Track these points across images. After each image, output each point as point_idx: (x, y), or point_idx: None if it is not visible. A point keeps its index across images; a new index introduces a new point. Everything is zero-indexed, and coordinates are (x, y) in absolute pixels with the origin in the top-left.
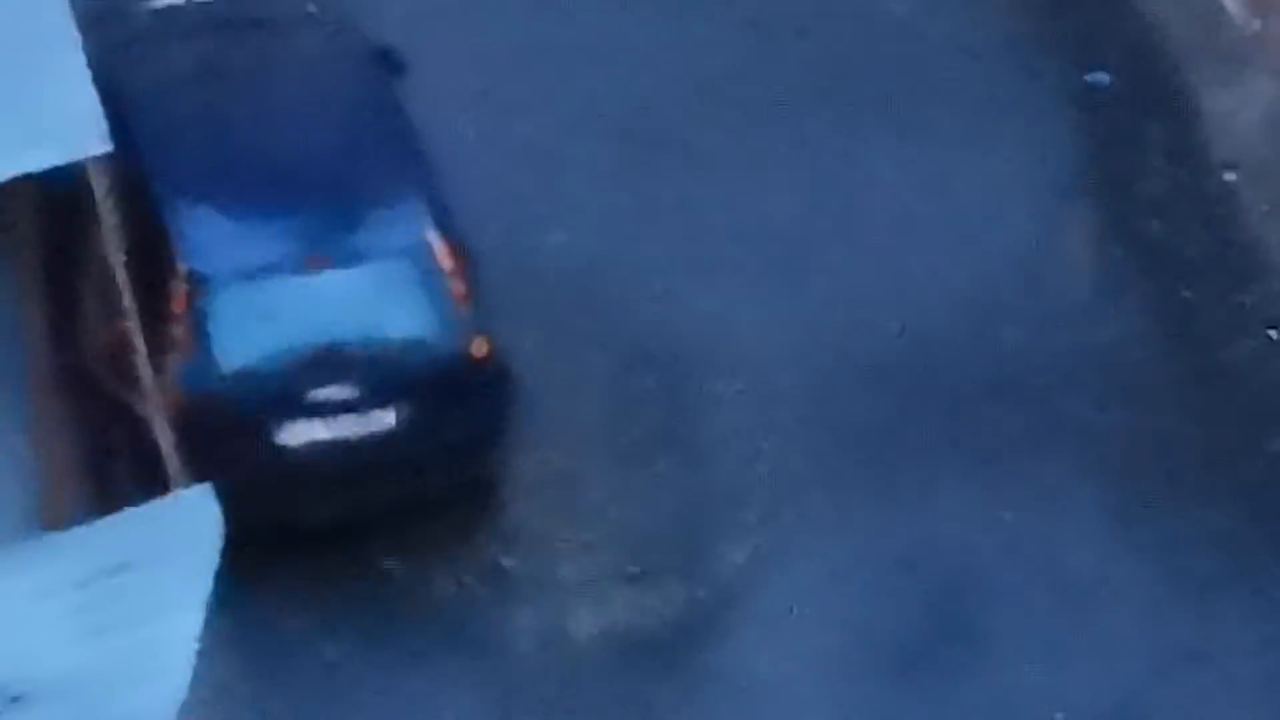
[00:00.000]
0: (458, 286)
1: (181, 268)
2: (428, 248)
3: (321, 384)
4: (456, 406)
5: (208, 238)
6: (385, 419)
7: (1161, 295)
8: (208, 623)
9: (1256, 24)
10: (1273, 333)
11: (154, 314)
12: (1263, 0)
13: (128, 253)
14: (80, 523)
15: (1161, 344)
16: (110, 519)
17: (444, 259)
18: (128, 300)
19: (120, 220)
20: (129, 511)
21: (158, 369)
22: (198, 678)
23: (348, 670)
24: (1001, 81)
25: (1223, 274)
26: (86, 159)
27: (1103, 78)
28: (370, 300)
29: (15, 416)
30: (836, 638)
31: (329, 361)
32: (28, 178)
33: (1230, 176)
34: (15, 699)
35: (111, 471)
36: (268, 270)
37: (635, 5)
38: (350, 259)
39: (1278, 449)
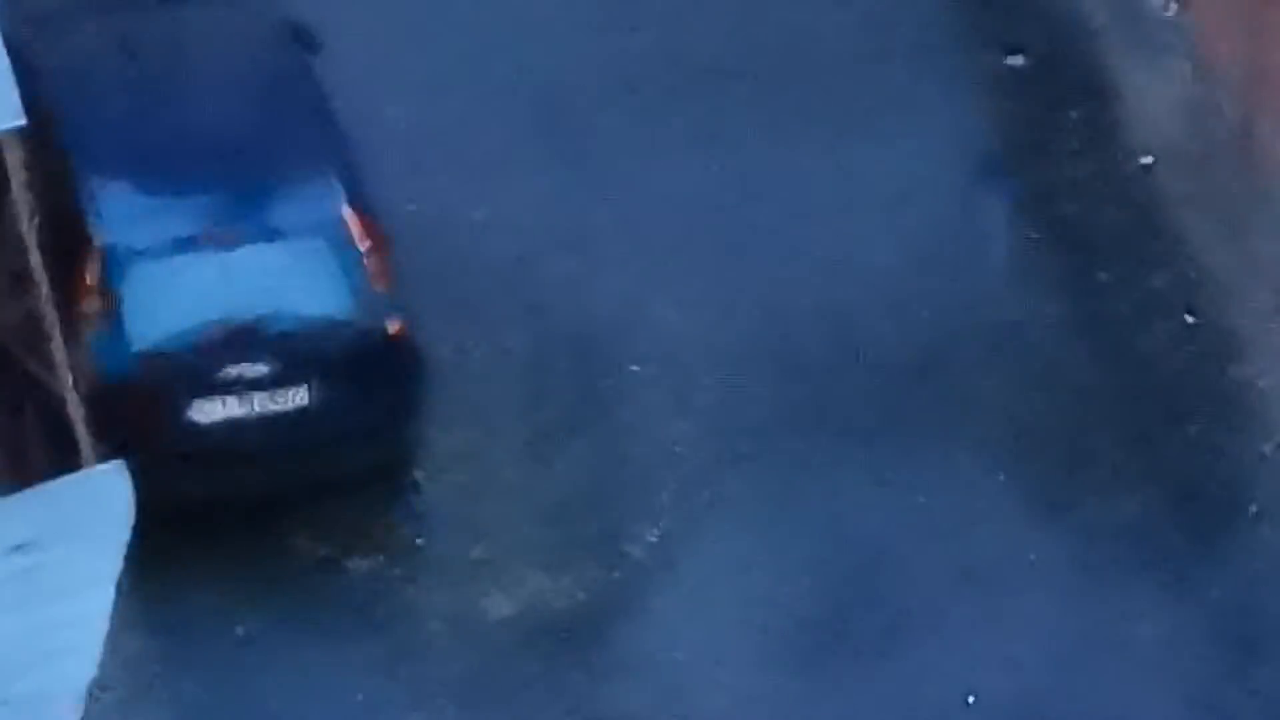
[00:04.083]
0: (372, 264)
1: (95, 243)
2: (342, 224)
3: (235, 361)
4: (370, 384)
5: (122, 213)
6: (299, 396)
7: (1078, 278)
8: (119, 600)
9: (1174, 8)
10: (1189, 317)
11: (67, 289)
12: None
13: (41, 227)
14: None
15: (1077, 327)
16: (21, 495)
17: (359, 236)
18: (41, 275)
19: (34, 195)
20: (41, 488)
21: (71, 344)
22: (109, 655)
23: (259, 648)
24: (920, 64)
25: (1139, 257)
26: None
27: (1021, 61)
28: (285, 277)
29: None
30: (749, 620)
31: (243, 338)
32: None
33: (1147, 160)
34: None
35: (23, 447)
36: (182, 246)
37: None
38: (265, 235)
39: (1193, 433)
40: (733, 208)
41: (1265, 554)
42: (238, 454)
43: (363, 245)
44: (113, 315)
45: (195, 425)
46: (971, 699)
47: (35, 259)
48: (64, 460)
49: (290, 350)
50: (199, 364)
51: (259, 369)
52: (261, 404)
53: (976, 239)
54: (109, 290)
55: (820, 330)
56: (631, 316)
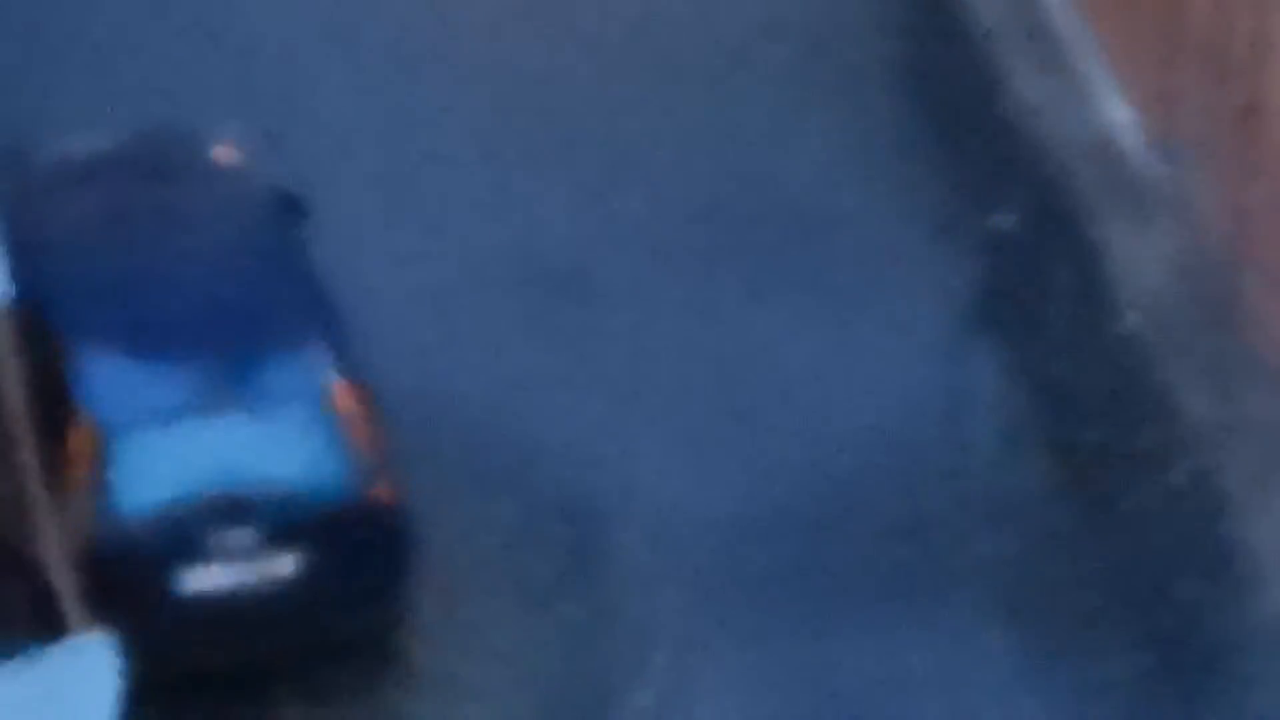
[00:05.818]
0: (360, 432)
1: (84, 414)
2: (330, 393)
3: (223, 530)
4: (359, 552)
5: (110, 384)
6: (288, 565)
7: (1065, 438)
8: None
9: (1158, 166)
10: (1178, 476)
11: (55, 460)
12: (1164, 143)
13: (28, 398)
14: None
15: (1067, 488)
16: (7, 667)
17: (346, 404)
18: (27, 446)
19: (20, 366)
20: (27, 658)
21: (58, 515)
22: None
23: None
24: (906, 225)
25: (1127, 417)
26: None
27: (1007, 220)
28: (272, 446)
29: None
30: None
31: (231, 507)
32: None
33: (1135, 319)
34: None
35: (10, 618)
36: (170, 416)
37: (538, 156)
38: (252, 404)
39: (1186, 595)
40: (722, 368)
41: (1257, 716)
42: (227, 622)
43: (350, 413)
44: (100, 486)
45: (184, 594)
46: None
47: (22, 429)
48: (51, 632)
49: (279, 518)
50: (187, 534)
51: (248, 537)
52: (250, 572)
53: (963, 398)
54: (97, 462)
55: (810, 492)
56: (622, 479)
